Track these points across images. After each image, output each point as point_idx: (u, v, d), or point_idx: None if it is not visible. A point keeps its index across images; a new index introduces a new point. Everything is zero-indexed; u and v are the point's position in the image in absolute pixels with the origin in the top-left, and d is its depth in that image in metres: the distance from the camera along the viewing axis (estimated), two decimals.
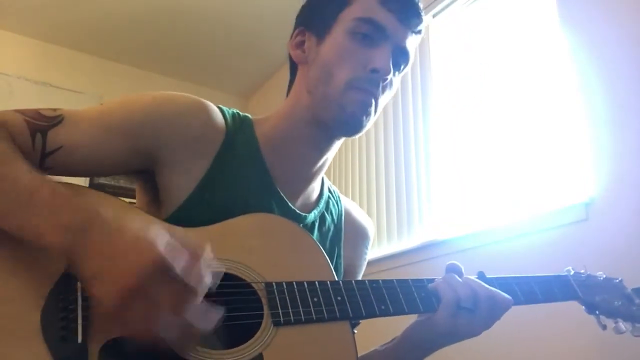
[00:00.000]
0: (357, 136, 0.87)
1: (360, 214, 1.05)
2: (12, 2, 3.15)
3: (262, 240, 0.76)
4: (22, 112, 0.73)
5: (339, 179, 2.95)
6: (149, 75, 3.81)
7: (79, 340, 0.60)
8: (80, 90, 3.43)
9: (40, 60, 3.46)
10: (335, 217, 0.97)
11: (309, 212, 0.91)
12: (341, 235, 0.97)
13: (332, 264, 0.90)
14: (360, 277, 1.03)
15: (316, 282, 0.73)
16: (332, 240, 0.95)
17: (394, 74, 0.86)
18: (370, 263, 2.53)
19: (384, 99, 0.86)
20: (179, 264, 0.57)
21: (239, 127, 0.85)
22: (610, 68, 1.73)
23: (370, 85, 0.82)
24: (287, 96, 0.92)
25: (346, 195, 2.83)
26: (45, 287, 0.63)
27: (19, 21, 3.34)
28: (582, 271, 0.97)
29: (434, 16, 2.54)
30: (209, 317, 0.59)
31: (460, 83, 2.38)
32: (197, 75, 3.85)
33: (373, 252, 2.58)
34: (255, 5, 3.18)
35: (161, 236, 0.59)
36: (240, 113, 0.89)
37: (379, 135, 2.72)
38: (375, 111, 0.85)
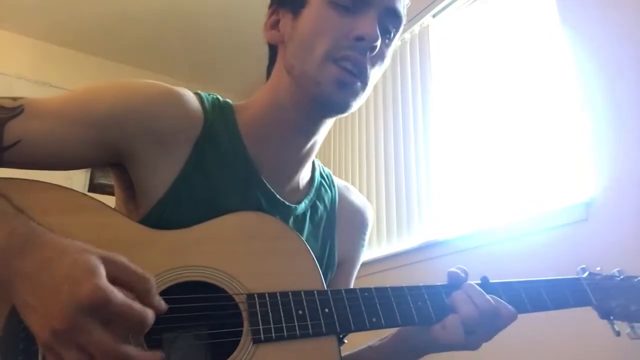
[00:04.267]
0: (345, 115, 0.79)
1: (357, 197, 0.98)
2: (12, 2, 3.15)
3: (245, 245, 0.70)
4: None
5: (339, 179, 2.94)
6: (148, 75, 3.79)
7: None
8: None
9: (40, 60, 3.45)
10: (328, 204, 0.91)
11: (299, 201, 0.85)
12: (335, 225, 0.91)
13: (324, 258, 0.85)
14: (356, 270, 0.96)
15: (302, 292, 0.66)
16: (325, 231, 0.89)
17: (384, 42, 0.76)
18: (370, 263, 2.53)
19: (375, 73, 0.77)
20: (118, 296, 0.49)
21: (218, 115, 0.79)
22: (611, 68, 1.73)
23: (355, 53, 0.73)
24: (267, 80, 0.85)
25: None
26: (2, 308, 0.56)
27: (19, 21, 3.34)
28: (598, 269, 0.88)
29: (434, 16, 2.54)
30: None
31: (460, 83, 2.38)
32: (197, 75, 3.85)
33: (373, 252, 2.57)
34: (255, 4, 3.18)
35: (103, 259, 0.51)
36: (221, 99, 0.83)
37: (378, 134, 2.72)
38: (365, 86, 0.76)
